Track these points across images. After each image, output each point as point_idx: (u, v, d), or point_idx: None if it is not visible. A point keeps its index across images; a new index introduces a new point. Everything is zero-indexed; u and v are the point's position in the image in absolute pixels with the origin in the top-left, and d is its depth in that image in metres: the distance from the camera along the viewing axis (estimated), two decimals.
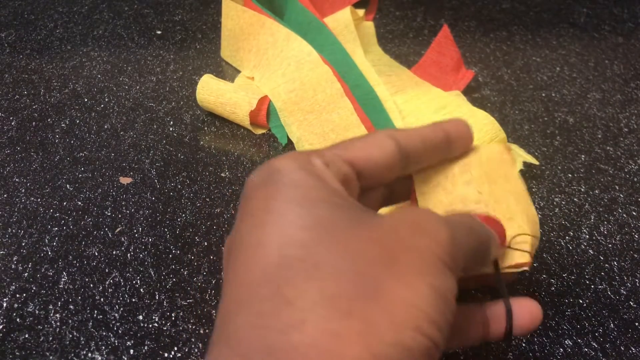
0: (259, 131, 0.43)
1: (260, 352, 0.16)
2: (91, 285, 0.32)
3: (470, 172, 0.25)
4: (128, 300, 0.31)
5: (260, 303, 0.17)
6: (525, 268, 0.23)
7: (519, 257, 0.23)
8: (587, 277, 0.33)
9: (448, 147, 0.25)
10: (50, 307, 0.31)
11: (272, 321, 0.16)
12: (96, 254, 0.34)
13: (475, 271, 0.23)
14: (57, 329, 0.30)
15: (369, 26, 0.54)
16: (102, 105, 0.45)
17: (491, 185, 0.25)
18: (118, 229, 0.35)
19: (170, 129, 0.43)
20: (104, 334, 0.29)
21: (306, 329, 0.16)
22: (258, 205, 0.19)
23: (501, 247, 0.23)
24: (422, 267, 0.18)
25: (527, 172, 0.40)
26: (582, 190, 0.39)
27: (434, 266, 0.18)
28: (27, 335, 0.29)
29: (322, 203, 0.19)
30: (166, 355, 0.29)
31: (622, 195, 0.39)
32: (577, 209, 0.37)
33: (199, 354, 0.29)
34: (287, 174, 0.20)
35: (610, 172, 0.41)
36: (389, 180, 0.24)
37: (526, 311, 0.23)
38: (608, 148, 0.43)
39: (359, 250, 0.18)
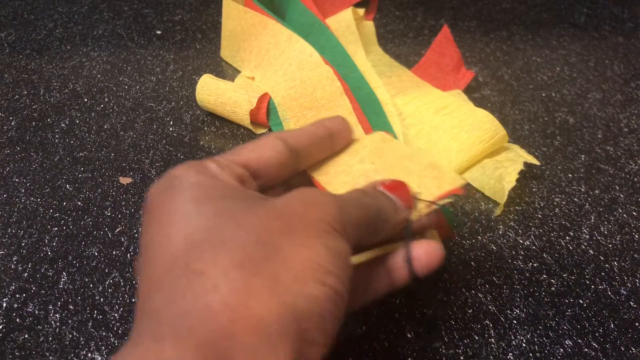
0: (260, 130, 0.43)
1: (179, 317, 0.17)
2: (91, 285, 0.32)
3: (359, 155, 0.29)
4: (128, 300, 0.31)
5: (174, 281, 0.18)
6: (444, 199, 0.26)
7: (427, 200, 0.26)
8: (587, 277, 0.33)
9: (331, 141, 0.28)
10: (50, 307, 0.31)
11: (186, 291, 0.18)
12: (96, 254, 0.34)
13: (378, 237, 0.25)
14: (57, 329, 0.30)
15: (369, 26, 0.54)
16: (102, 105, 0.45)
17: (381, 157, 0.28)
18: (118, 229, 0.35)
19: (170, 129, 0.43)
20: (104, 334, 0.29)
21: (219, 291, 0.18)
22: (161, 209, 0.21)
23: (406, 207, 0.25)
24: (316, 232, 0.20)
25: (527, 172, 0.40)
26: (582, 190, 0.39)
27: (325, 231, 0.20)
28: (27, 336, 0.29)
29: (220, 197, 0.21)
30: None
31: (622, 195, 0.39)
32: (577, 209, 0.37)
33: None
34: (185, 179, 0.21)
35: (610, 172, 0.41)
36: (285, 176, 0.26)
37: (423, 252, 0.25)
38: (608, 148, 0.43)
39: (259, 225, 0.20)
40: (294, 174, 0.27)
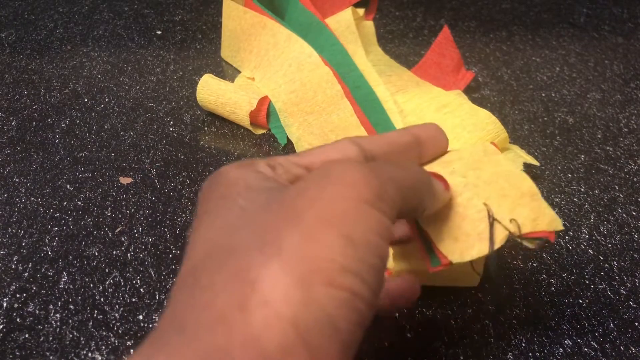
0: (259, 131, 0.43)
1: (177, 331, 0.16)
2: (91, 285, 0.32)
3: (451, 166, 0.25)
4: (128, 300, 0.31)
5: (182, 291, 0.18)
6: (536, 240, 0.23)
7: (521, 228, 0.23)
8: (586, 277, 0.33)
9: (418, 149, 0.25)
10: (50, 307, 0.31)
11: (188, 304, 0.17)
12: (96, 254, 0.34)
13: (420, 212, 0.22)
14: (57, 329, 0.30)
15: (369, 26, 0.54)
16: (102, 105, 0.45)
17: (476, 171, 0.25)
18: (118, 229, 0.35)
19: (170, 129, 0.43)
20: (104, 334, 0.29)
21: (215, 306, 0.16)
22: (201, 207, 0.21)
23: (445, 189, 0.23)
24: (331, 217, 0.17)
25: (527, 172, 0.39)
26: (582, 190, 0.39)
27: (347, 212, 0.17)
28: (27, 335, 0.29)
29: (250, 191, 0.19)
30: None
31: (621, 195, 0.39)
32: (577, 209, 0.37)
33: None
34: (226, 175, 0.21)
35: (610, 172, 0.41)
36: None
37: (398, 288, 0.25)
38: (608, 148, 0.43)
39: (266, 222, 0.18)
40: None
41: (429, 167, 0.25)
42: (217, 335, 0.16)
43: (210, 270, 0.17)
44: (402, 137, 0.24)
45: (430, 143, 0.25)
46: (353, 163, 0.19)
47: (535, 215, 0.23)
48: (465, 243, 0.23)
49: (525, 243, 0.24)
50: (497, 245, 0.23)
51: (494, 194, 0.24)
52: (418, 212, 0.22)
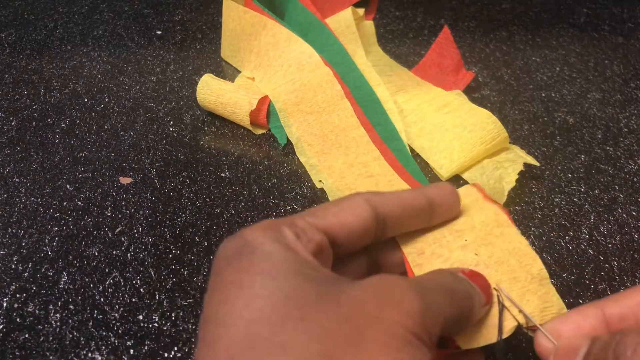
0: (259, 131, 0.43)
1: None
2: (91, 285, 0.32)
3: (463, 238, 0.25)
4: (128, 300, 0.31)
5: None
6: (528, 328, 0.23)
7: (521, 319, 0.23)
8: (587, 277, 0.33)
9: (430, 213, 0.25)
10: (50, 307, 0.31)
11: None
12: (96, 254, 0.34)
13: (460, 330, 0.22)
14: (57, 329, 0.30)
15: (369, 25, 0.54)
16: (102, 105, 0.45)
17: (488, 247, 0.24)
18: (118, 229, 0.35)
19: (170, 129, 0.43)
20: (104, 334, 0.29)
21: None
22: (229, 279, 0.19)
23: (486, 303, 0.23)
24: (388, 341, 0.17)
25: (527, 173, 0.40)
26: (582, 190, 0.39)
27: (401, 339, 0.18)
28: (27, 335, 0.29)
29: (291, 275, 0.19)
30: (166, 355, 0.29)
31: (622, 195, 0.39)
32: (577, 209, 0.37)
33: None
34: (258, 246, 0.20)
35: (610, 172, 0.41)
36: (366, 243, 0.23)
37: None
38: (608, 148, 0.43)
39: (325, 329, 0.17)
40: (377, 242, 0.24)
41: (440, 233, 0.25)
42: None
43: None
44: (416, 199, 0.24)
45: (443, 207, 0.25)
46: (411, 289, 0.19)
47: (543, 305, 0.23)
48: (474, 328, 0.23)
49: (530, 333, 0.23)
50: (505, 335, 0.23)
51: (505, 276, 0.24)
52: (458, 331, 0.22)
